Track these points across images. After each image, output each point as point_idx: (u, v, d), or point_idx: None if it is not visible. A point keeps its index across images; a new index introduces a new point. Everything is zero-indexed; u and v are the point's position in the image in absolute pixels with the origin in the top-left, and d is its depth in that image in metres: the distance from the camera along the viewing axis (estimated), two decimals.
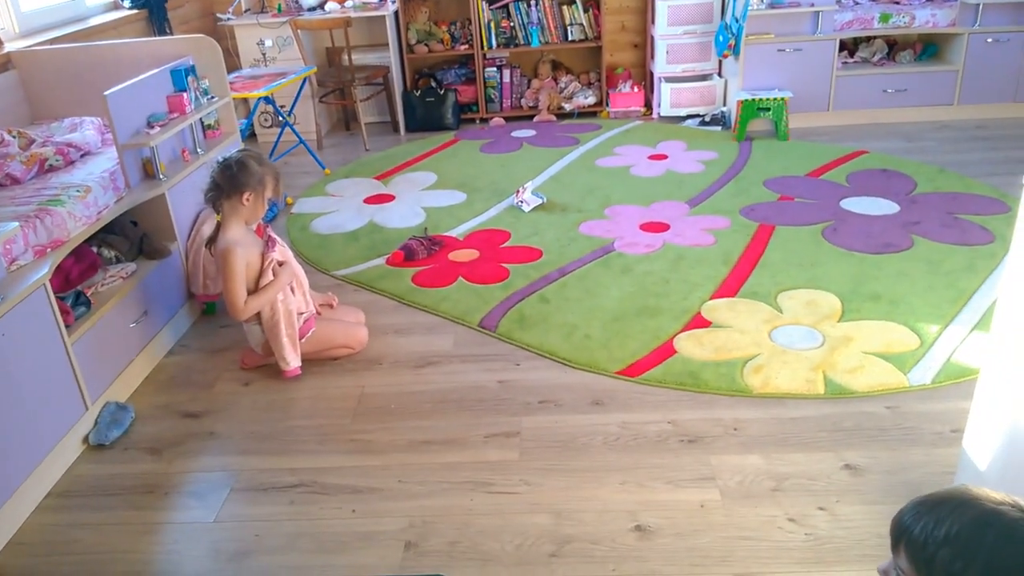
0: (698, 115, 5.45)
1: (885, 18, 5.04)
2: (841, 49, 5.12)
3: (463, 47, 5.69)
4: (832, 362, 2.64)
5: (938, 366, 2.61)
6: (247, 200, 2.72)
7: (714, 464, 2.25)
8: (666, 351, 2.78)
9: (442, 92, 5.65)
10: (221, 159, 2.75)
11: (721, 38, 5.10)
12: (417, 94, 5.66)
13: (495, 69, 5.79)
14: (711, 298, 3.10)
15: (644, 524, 2.06)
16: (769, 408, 2.48)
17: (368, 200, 4.42)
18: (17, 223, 2.38)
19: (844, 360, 2.65)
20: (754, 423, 2.41)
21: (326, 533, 2.12)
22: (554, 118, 5.72)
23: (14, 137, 3.12)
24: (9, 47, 3.71)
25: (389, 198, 4.43)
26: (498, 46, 5.67)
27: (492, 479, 2.26)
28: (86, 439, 2.54)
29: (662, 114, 5.53)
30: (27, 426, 2.28)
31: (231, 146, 3.67)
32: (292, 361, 2.79)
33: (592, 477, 2.24)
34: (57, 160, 3.04)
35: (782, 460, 2.25)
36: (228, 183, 2.69)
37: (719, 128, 5.25)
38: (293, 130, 4.83)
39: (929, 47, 5.28)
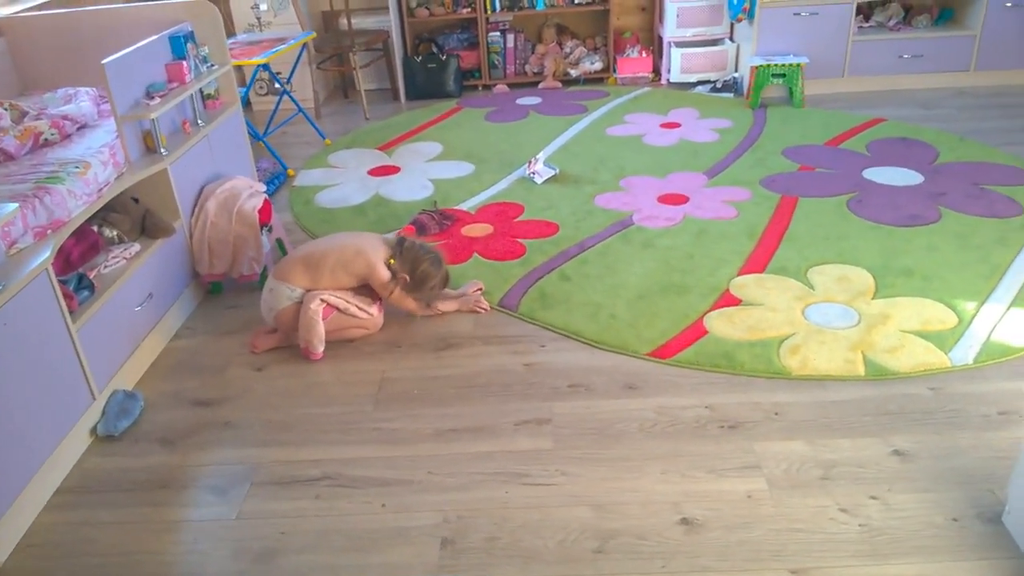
0: (709, 81, 5.30)
1: None
2: (857, 13, 4.97)
3: (465, 10, 5.50)
4: (870, 341, 2.55)
5: (979, 345, 2.52)
6: (393, 284, 2.74)
7: (758, 451, 2.16)
8: (697, 331, 2.68)
9: (444, 58, 5.47)
10: (435, 253, 2.81)
11: (735, 1, 4.94)
12: (418, 60, 5.48)
13: (498, 34, 5.61)
14: (738, 274, 3.00)
15: (691, 517, 1.97)
16: (809, 391, 2.39)
17: (372, 172, 4.27)
18: (16, 204, 2.23)
19: (883, 339, 2.56)
20: (795, 407, 2.32)
21: (356, 529, 2.02)
22: (560, 85, 5.55)
23: (6, 110, 2.95)
24: None
25: (394, 170, 4.28)
26: (502, 9, 5.48)
27: (527, 470, 2.17)
28: (94, 430, 2.42)
29: (672, 80, 5.38)
30: (33, 419, 2.15)
31: (233, 116, 3.51)
32: (319, 346, 2.69)
33: (631, 466, 2.15)
34: (53, 134, 2.87)
35: (828, 446, 2.17)
36: (419, 268, 2.74)
37: (731, 95, 5.11)
38: (292, 99, 4.65)
39: (945, 11, 5.14)
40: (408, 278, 2.75)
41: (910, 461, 2.11)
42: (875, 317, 2.67)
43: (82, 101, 3.17)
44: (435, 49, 5.54)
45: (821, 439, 2.19)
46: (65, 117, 2.96)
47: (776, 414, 2.30)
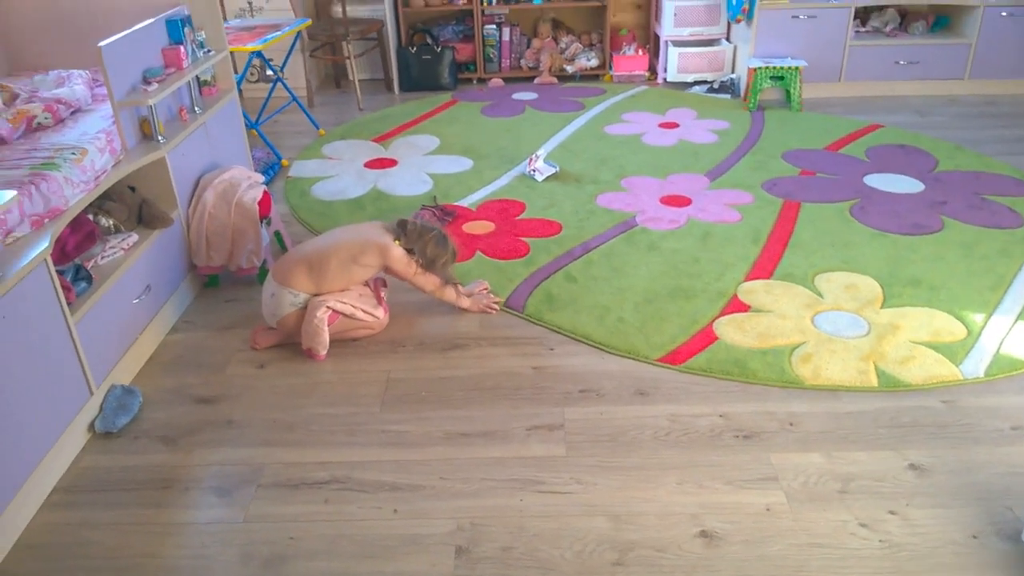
0: (706, 81, 5.28)
1: None
2: (854, 18, 4.97)
3: (461, 2, 5.42)
4: (882, 352, 2.54)
5: (989, 358, 2.52)
6: (412, 258, 2.69)
7: (774, 463, 2.14)
8: (707, 337, 2.65)
9: (439, 50, 5.39)
10: (437, 230, 2.75)
11: (734, 1, 4.92)
12: (412, 51, 5.40)
13: (494, 27, 5.54)
14: (746, 279, 2.97)
15: (709, 529, 1.94)
16: (823, 401, 2.37)
17: (369, 164, 4.20)
18: (15, 191, 2.14)
19: (894, 350, 2.55)
20: (810, 417, 2.30)
21: (368, 536, 1.97)
22: (555, 80, 5.51)
23: None
24: None
25: (391, 163, 4.21)
26: (498, 2, 5.41)
27: (541, 477, 2.13)
28: (92, 427, 2.34)
29: (668, 79, 5.36)
30: (30, 415, 2.07)
31: (229, 104, 3.42)
32: (322, 350, 2.63)
33: (647, 476, 2.12)
34: (46, 118, 2.77)
35: (844, 459, 2.15)
36: (427, 249, 2.69)
37: (728, 96, 5.09)
38: (286, 86, 4.56)
39: (941, 19, 5.16)
40: (420, 261, 2.70)
41: (927, 476, 2.10)
42: (885, 327, 2.66)
43: (75, 84, 3.07)
44: (430, 40, 5.46)
45: (838, 451, 2.18)
46: (59, 100, 2.86)
47: (791, 424, 2.28)
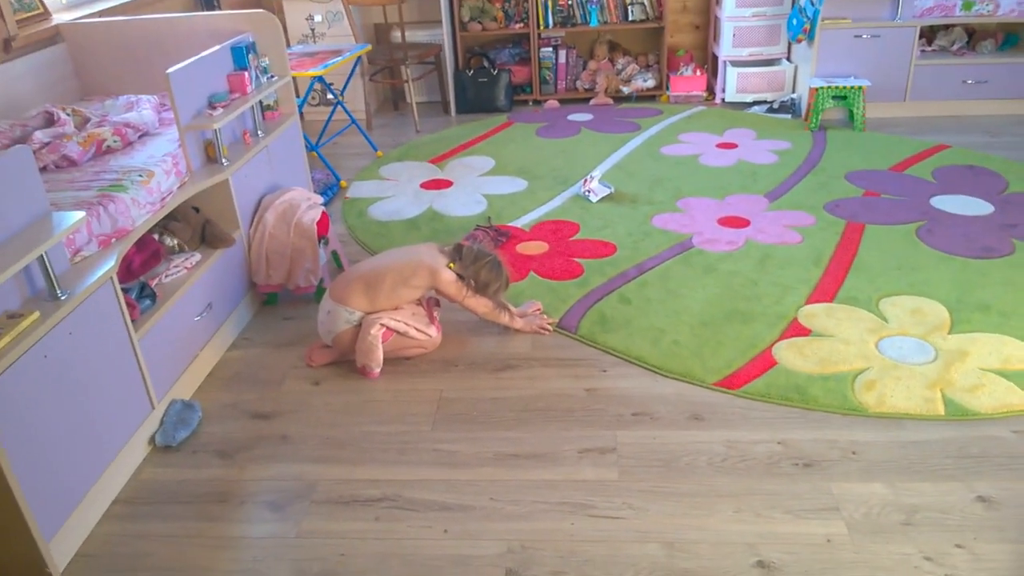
0: (765, 101, 5.21)
1: (968, 6, 4.76)
2: (920, 37, 4.85)
3: (518, 25, 5.47)
4: (949, 379, 2.45)
5: None
6: (465, 284, 2.71)
7: (835, 493, 2.07)
8: (766, 361, 2.59)
9: (495, 72, 5.44)
10: (493, 256, 2.75)
11: (795, 22, 4.86)
12: (469, 74, 5.46)
13: (550, 49, 5.57)
14: (806, 303, 2.90)
15: (767, 560, 1.89)
16: (887, 430, 2.29)
17: (425, 185, 4.24)
18: (83, 213, 2.21)
19: (962, 377, 2.45)
20: (873, 447, 2.23)
21: (417, 555, 1.96)
22: (611, 101, 5.50)
23: (69, 115, 2.96)
24: (57, 19, 3.54)
25: (446, 184, 4.24)
26: (554, 25, 5.44)
27: (592, 501, 2.10)
28: (152, 440, 2.40)
29: (727, 99, 5.30)
30: (94, 428, 2.13)
31: (291, 128, 3.50)
32: (376, 368, 2.66)
33: (702, 503, 2.07)
34: (115, 141, 2.87)
35: (909, 490, 2.07)
36: (480, 275, 2.70)
37: (788, 116, 5.01)
38: (346, 110, 4.65)
39: (1011, 37, 5.00)
40: (472, 283, 2.70)
41: (995, 508, 2.00)
42: (953, 353, 2.56)
43: (144, 109, 3.18)
44: (486, 63, 5.52)
45: (901, 482, 2.10)
46: (127, 124, 2.96)
47: (853, 453, 2.20)
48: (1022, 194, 3.74)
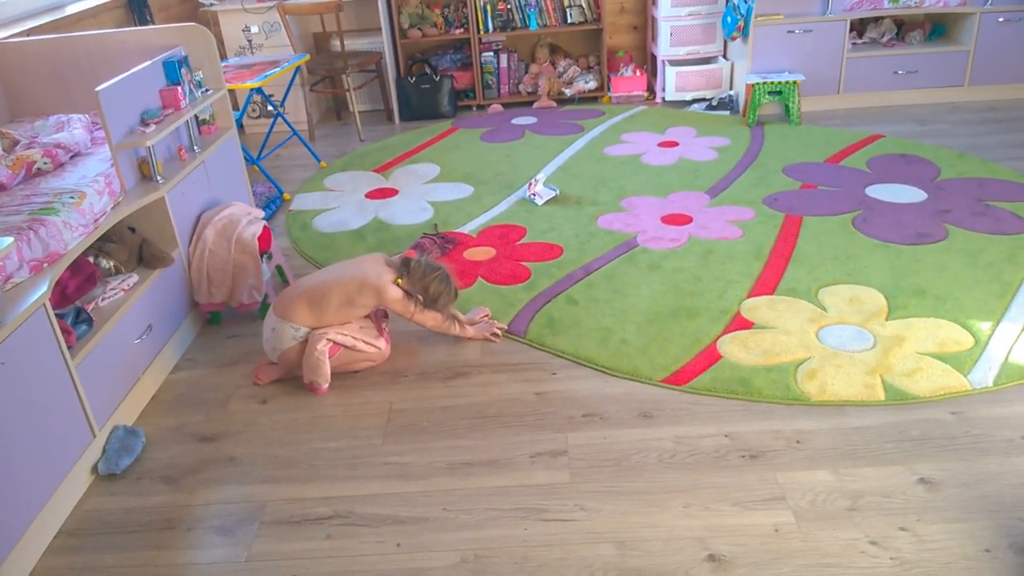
0: (704, 99, 5.29)
1: None
2: (850, 30, 4.97)
3: (458, 31, 5.47)
4: (888, 365, 2.51)
5: (997, 367, 2.48)
6: (413, 298, 2.69)
7: (782, 482, 2.11)
8: (711, 356, 2.63)
9: (437, 78, 5.43)
10: (442, 269, 2.71)
11: (729, 19, 4.94)
12: (411, 81, 5.44)
13: (492, 54, 5.58)
14: (748, 296, 2.95)
15: (717, 553, 1.91)
16: (829, 417, 2.34)
17: (370, 195, 4.22)
18: (12, 238, 2.15)
19: (900, 362, 2.52)
20: (817, 435, 2.27)
21: (371, 571, 1.95)
22: (554, 104, 5.53)
23: None
24: None
25: (392, 192, 4.22)
26: (494, 29, 5.45)
27: (545, 504, 2.10)
28: (95, 469, 2.34)
29: (667, 99, 5.37)
30: (33, 459, 2.07)
31: (229, 142, 3.45)
32: (324, 384, 2.63)
33: (652, 500, 2.09)
34: (46, 163, 2.80)
35: (853, 476, 2.12)
36: (429, 289, 2.67)
37: (727, 112, 5.10)
38: (286, 122, 4.60)
39: (938, 27, 5.16)
40: (420, 298, 2.69)
41: (937, 490, 2.06)
42: (891, 339, 2.63)
43: (75, 128, 3.10)
44: (428, 70, 5.50)
45: (845, 468, 2.14)
46: (58, 145, 2.89)
47: (798, 442, 2.25)
48: (954, 180, 3.85)
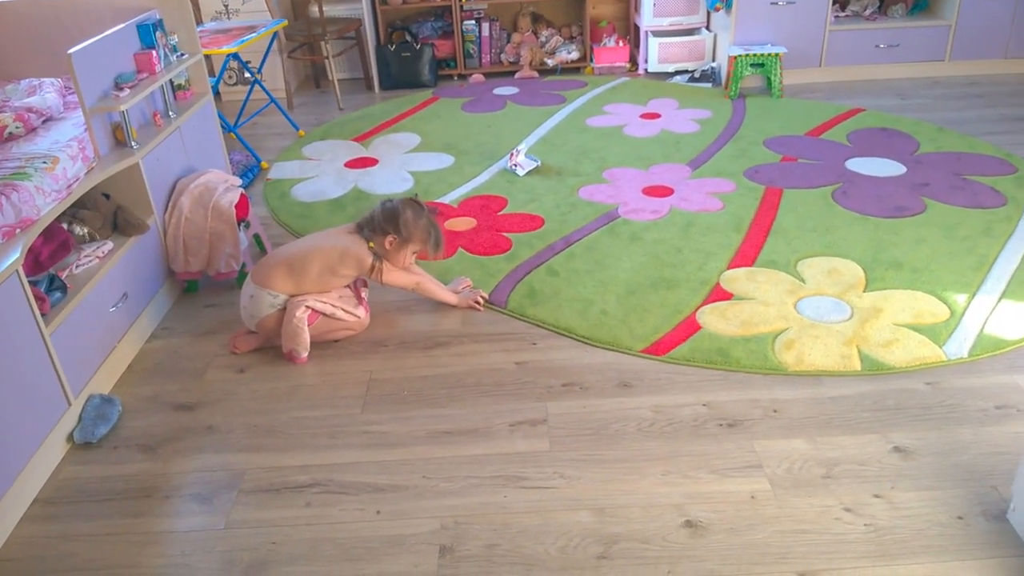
0: (687, 71, 5.27)
1: None
2: (833, 3, 4.96)
3: None
4: (864, 335, 2.53)
5: (972, 338, 2.51)
6: (389, 244, 2.64)
7: (758, 450, 2.13)
8: (690, 326, 2.64)
9: (418, 47, 5.36)
10: (409, 202, 2.69)
11: None
12: (391, 49, 5.37)
13: (473, 22, 5.52)
14: (728, 268, 2.96)
15: (694, 519, 1.93)
16: (806, 387, 2.36)
17: (349, 164, 4.17)
18: None
19: (876, 333, 2.54)
20: (793, 404, 2.29)
21: (350, 538, 1.95)
22: (536, 74, 5.48)
23: None
24: None
25: (371, 162, 4.18)
26: None
27: (524, 473, 2.11)
28: (70, 438, 2.32)
29: (649, 70, 5.34)
30: (7, 428, 2.04)
31: (205, 108, 3.39)
32: (304, 352, 2.61)
33: (631, 468, 2.10)
34: (17, 127, 2.74)
35: (828, 444, 2.14)
36: (377, 221, 2.64)
37: (709, 85, 5.08)
38: (264, 88, 4.53)
39: (920, 1, 5.15)
40: (396, 238, 2.64)
41: (911, 458, 2.09)
42: (867, 311, 2.65)
43: (47, 92, 3.03)
44: (409, 38, 5.43)
45: (821, 436, 2.17)
46: (30, 109, 2.83)
47: (775, 411, 2.27)
48: (933, 154, 3.87)
